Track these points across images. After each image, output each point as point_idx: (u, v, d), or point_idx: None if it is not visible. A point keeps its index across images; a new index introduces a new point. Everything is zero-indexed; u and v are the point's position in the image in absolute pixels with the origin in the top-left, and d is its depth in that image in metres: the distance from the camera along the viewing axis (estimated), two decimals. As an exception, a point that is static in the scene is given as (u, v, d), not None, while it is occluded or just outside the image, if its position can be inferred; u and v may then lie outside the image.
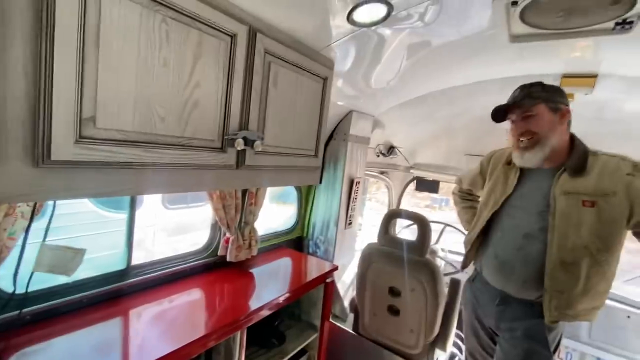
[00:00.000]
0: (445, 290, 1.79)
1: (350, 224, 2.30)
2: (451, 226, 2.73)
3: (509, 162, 1.41)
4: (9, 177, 0.58)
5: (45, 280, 1.09)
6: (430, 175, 2.84)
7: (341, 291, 2.32)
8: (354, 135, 2.08)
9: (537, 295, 1.25)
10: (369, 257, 1.94)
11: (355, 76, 1.66)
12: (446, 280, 1.85)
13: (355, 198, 2.26)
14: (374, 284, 1.95)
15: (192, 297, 1.41)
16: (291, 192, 2.41)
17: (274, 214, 2.33)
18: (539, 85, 1.25)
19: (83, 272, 1.21)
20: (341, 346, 2.12)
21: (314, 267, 1.89)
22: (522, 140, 1.25)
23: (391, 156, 2.64)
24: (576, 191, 1.18)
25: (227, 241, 1.64)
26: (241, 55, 0.93)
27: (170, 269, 1.47)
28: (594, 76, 1.70)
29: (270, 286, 1.59)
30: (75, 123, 0.63)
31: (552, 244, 1.19)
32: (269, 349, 1.65)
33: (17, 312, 0.98)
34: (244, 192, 1.70)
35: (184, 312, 1.28)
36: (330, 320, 2.16)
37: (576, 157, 1.23)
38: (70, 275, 0.95)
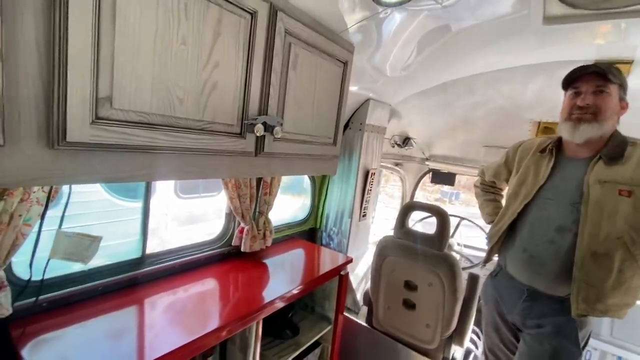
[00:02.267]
0: (463, 284, 1.74)
1: (364, 215, 2.26)
2: (469, 220, 2.66)
3: (543, 151, 1.33)
4: (23, 160, 0.55)
5: (61, 268, 1.08)
6: (446, 168, 2.76)
7: (354, 284, 2.29)
8: (371, 125, 2.02)
9: (568, 292, 1.19)
10: (385, 250, 1.89)
11: (374, 62, 1.59)
12: (463, 274, 1.80)
13: (370, 190, 2.21)
14: (389, 277, 1.90)
15: (207, 286, 1.39)
16: (299, 183, 2.37)
17: (284, 205, 2.29)
18: (616, 69, 1.18)
19: (98, 260, 1.20)
20: (354, 339, 2.10)
21: (328, 259, 1.86)
22: (579, 114, 1.17)
23: (406, 147, 2.57)
24: (612, 180, 1.12)
25: (241, 231, 1.61)
26: (262, 35, 0.88)
27: (185, 258, 1.45)
28: (630, 62, 1.59)
29: (284, 277, 1.57)
30: (91, 103, 0.59)
31: (584, 234, 1.13)
32: (283, 340, 1.63)
33: (33, 299, 0.96)
34: (259, 181, 1.67)
35: (199, 302, 1.26)
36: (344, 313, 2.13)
37: (613, 145, 1.16)
38: (87, 262, 0.93)
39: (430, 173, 2.88)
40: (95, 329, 1.03)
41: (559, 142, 1.32)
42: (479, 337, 2.07)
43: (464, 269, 2.16)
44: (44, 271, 0.93)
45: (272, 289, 1.42)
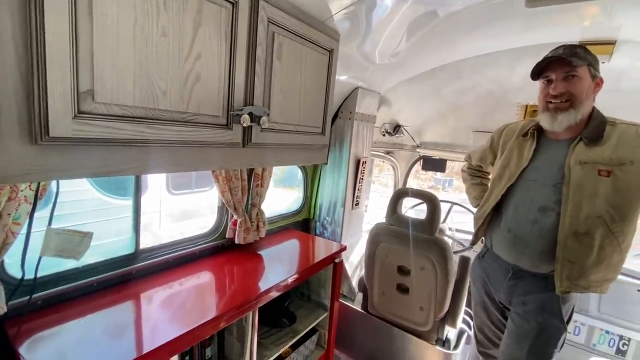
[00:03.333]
0: (454, 267, 1.78)
1: (357, 204, 2.28)
2: (460, 205, 2.70)
3: (525, 134, 1.36)
4: (6, 156, 0.55)
5: (54, 266, 1.09)
6: (437, 154, 2.79)
7: (349, 271, 2.32)
8: (360, 114, 2.03)
9: (551, 269, 1.23)
10: (378, 237, 1.92)
11: (363, 49, 1.58)
12: (455, 258, 1.84)
13: (362, 178, 2.23)
14: (383, 263, 1.94)
15: (202, 279, 1.41)
16: (293, 176, 2.37)
17: (278, 198, 2.30)
18: (582, 48, 1.19)
19: (91, 258, 1.20)
20: (351, 325, 2.14)
21: (322, 248, 1.88)
22: (554, 102, 1.19)
23: (397, 135, 2.59)
24: (592, 160, 1.15)
25: (234, 223, 1.62)
26: (244, 25, 0.87)
27: (179, 252, 1.46)
28: (612, 43, 1.61)
29: (279, 267, 1.59)
30: (72, 97, 0.59)
31: (565, 214, 1.17)
32: (281, 329, 1.66)
33: (27, 297, 0.97)
34: (250, 173, 1.67)
35: (195, 294, 1.27)
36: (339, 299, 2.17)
37: (593, 126, 1.19)
38: (79, 258, 0.94)
39: (421, 160, 2.90)
40: (91, 324, 1.03)
41: (540, 125, 1.34)
42: (471, 318, 2.13)
43: (456, 252, 2.21)
44: (36, 269, 0.93)
45: (267, 278, 1.44)
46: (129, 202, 1.38)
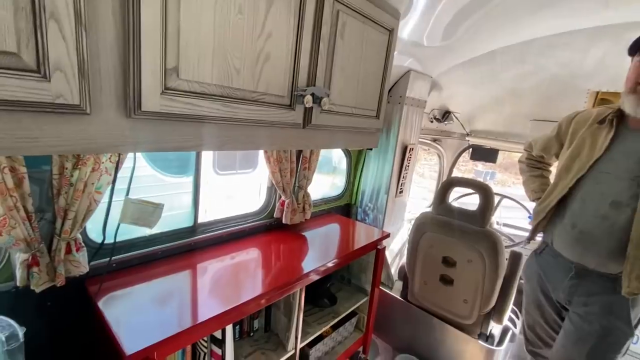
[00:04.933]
0: (504, 262, 1.70)
1: (401, 192, 2.23)
2: (511, 199, 2.55)
3: (602, 121, 1.23)
4: (105, 128, 0.60)
5: (126, 233, 1.19)
6: (488, 144, 2.63)
7: (388, 259, 2.31)
8: (411, 98, 1.95)
9: (620, 270, 1.13)
10: (423, 226, 1.88)
11: (417, 30, 1.51)
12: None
13: (408, 166, 2.17)
14: (427, 253, 1.90)
15: (252, 255, 1.47)
16: (328, 161, 2.37)
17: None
18: None
19: (156, 228, 1.30)
20: (390, 311, 2.14)
21: (364, 234, 1.88)
22: None
23: (446, 122, 2.47)
24: None
25: (282, 204, 1.67)
26: (311, 3, 0.86)
27: (232, 228, 1.54)
28: None
29: (323, 250, 1.61)
30: (161, 73, 0.62)
31: None
32: (322, 309, 1.70)
33: (107, 259, 1.07)
34: (298, 156, 1.69)
35: (246, 268, 1.33)
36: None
37: None
38: (152, 227, 1.01)
39: (471, 149, 2.76)
40: (156, 289, 1.13)
41: (620, 112, 1.21)
42: (517, 316, 2.04)
43: (506, 247, 2.11)
44: (116, 234, 1.02)
45: (312, 259, 1.47)
46: (181, 180, 1.46)
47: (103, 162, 0.98)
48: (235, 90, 0.76)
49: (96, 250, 1.07)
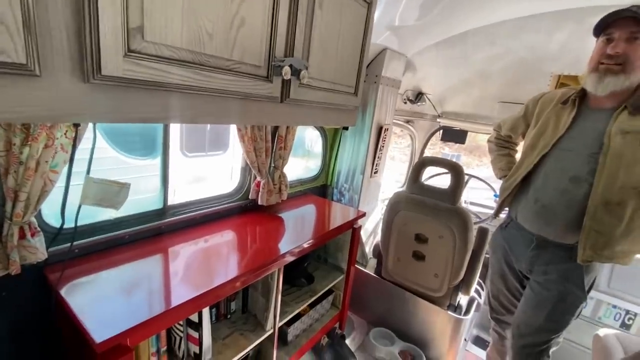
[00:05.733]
0: (473, 238, 1.79)
1: (376, 172, 2.26)
2: (477, 178, 2.67)
3: (565, 102, 1.30)
4: (59, 93, 0.53)
5: (89, 217, 1.10)
6: (457, 125, 2.71)
7: (363, 238, 2.36)
8: (386, 78, 1.95)
9: (576, 240, 1.23)
10: (397, 205, 1.92)
11: (393, 7, 1.49)
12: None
13: (383, 146, 2.19)
14: (400, 230, 1.95)
15: (227, 237, 1.43)
16: (301, 145, 2.33)
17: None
18: None
19: (121, 211, 1.21)
20: (364, 288, 2.20)
21: (340, 214, 1.89)
22: (607, 63, 1.13)
23: (419, 103, 2.51)
24: (635, 130, 1.11)
25: (258, 185, 1.62)
26: (289, -34, 0.81)
27: (205, 210, 1.48)
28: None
29: (299, 230, 1.60)
30: (122, 32, 0.55)
31: (599, 184, 1.15)
32: (299, 288, 1.71)
33: (68, 244, 0.99)
34: (273, 135, 1.64)
35: (221, 251, 1.30)
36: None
37: None
38: (119, 208, 0.94)
39: (441, 130, 2.83)
40: (125, 274, 1.06)
41: (582, 93, 1.28)
42: (482, 288, 2.18)
43: (475, 223, 2.22)
44: (76, 217, 0.94)
45: (289, 240, 1.46)
46: (145, 162, 1.37)
47: (57, 138, 0.89)
48: (208, 57, 0.70)
49: (55, 235, 0.98)
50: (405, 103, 2.48)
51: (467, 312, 1.98)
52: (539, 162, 1.32)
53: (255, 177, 1.63)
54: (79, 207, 0.92)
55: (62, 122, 0.80)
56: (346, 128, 2.13)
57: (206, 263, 1.19)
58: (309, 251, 1.50)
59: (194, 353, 1.20)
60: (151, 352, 1.13)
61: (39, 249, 0.93)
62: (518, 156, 1.57)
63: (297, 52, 0.92)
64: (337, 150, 2.23)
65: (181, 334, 1.18)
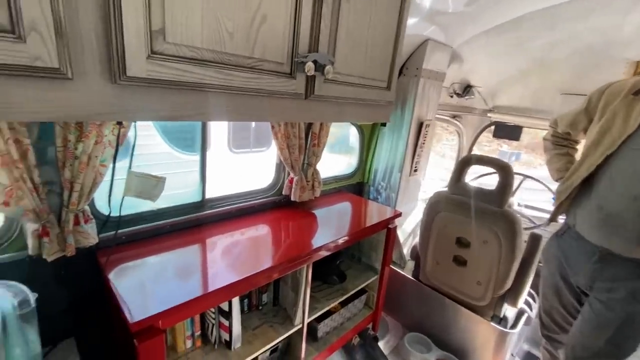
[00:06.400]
0: (522, 244, 1.63)
1: (415, 171, 2.16)
2: (534, 179, 2.42)
3: (637, 92, 1.11)
4: (89, 94, 0.58)
5: (134, 207, 1.20)
6: (512, 120, 2.47)
7: (401, 238, 2.27)
8: (428, 70, 1.84)
9: None
10: (437, 205, 1.82)
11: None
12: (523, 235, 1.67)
13: (424, 143, 2.08)
14: (440, 233, 1.85)
15: (260, 231, 1.47)
16: (345, 141, 2.30)
17: (329, 164, 2.26)
18: None
19: (164, 203, 1.31)
20: (401, 290, 2.13)
21: (376, 212, 1.83)
22: None
23: (467, 97, 2.33)
24: None
25: (291, 181, 1.64)
26: (312, -42, 0.79)
27: (240, 204, 1.54)
28: None
29: (332, 227, 1.59)
30: (146, 35, 0.59)
31: None
32: (331, 285, 1.70)
33: (113, 232, 1.09)
34: (307, 132, 1.65)
35: (254, 243, 1.34)
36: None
37: None
38: (155, 200, 1.02)
39: (494, 126, 2.61)
40: (165, 261, 1.15)
41: None
42: (534, 299, 1.97)
43: (525, 229, 2.02)
44: (120, 208, 1.04)
45: (321, 236, 1.45)
46: (195, 158, 1.46)
47: (106, 135, 0.98)
48: (229, 56, 0.72)
49: (104, 222, 1.09)
50: (452, 97, 2.33)
51: (514, 325, 1.81)
52: (604, 162, 1.15)
53: (288, 174, 1.65)
54: (122, 198, 1.01)
55: (93, 121, 0.87)
56: (384, 124, 2.06)
57: (238, 255, 1.23)
58: (340, 249, 1.48)
59: (225, 340, 1.25)
60: (186, 336, 1.22)
61: (91, 234, 1.04)
62: (579, 156, 1.39)
63: (322, 46, 0.90)
64: (375, 147, 2.17)
65: (213, 321, 1.24)
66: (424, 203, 2.54)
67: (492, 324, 1.73)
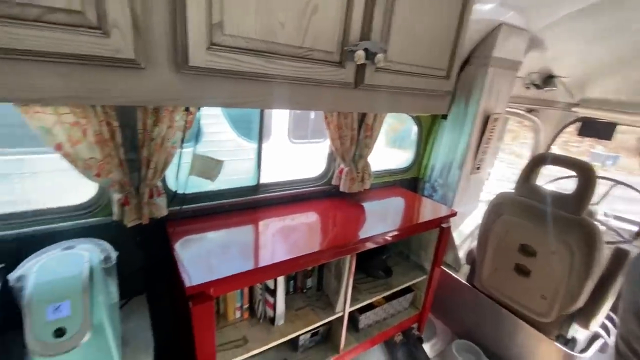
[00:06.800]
0: (602, 259, 1.41)
1: (478, 169, 2.00)
2: (628, 186, 2.06)
3: None
4: (159, 82, 0.66)
5: (198, 186, 1.34)
6: (604, 116, 2.12)
7: (457, 241, 2.14)
8: (499, 59, 1.67)
9: None
10: (500, 208, 1.67)
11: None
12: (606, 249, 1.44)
13: (490, 139, 1.91)
14: (502, 238, 1.69)
15: (309, 217, 1.51)
16: (409, 136, 2.21)
17: (389, 158, 2.20)
18: None
19: (225, 185, 1.44)
20: (453, 295, 2.02)
21: (429, 210, 1.75)
22: None
23: (547, 89, 2.06)
24: None
25: (341, 172, 1.66)
26: (368, -57, 0.78)
27: (291, 191, 1.60)
28: None
29: (380, 220, 1.56)
30: (207, 29, 0.65)
31: None
32: (375, 279, 1.69)
33: (179, 207, 1.23)
34: (360, 123, 1.64)
35: (302, 229, 1.39)
36: (442, 267, 2.05)
37: None
38: (213, 180, 1.12)
39: (580, 123, 2.26)
40: (222, 236, 1.26)
41: None
42: (614, 324, 1.70)
43: (609, 243, 1.74)
44: (186, 185, 1.17)
45: (367, 228, 1.44)
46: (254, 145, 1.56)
47: (176, 121, 1.10)
48: (279, 46, 0.75)
49: (172, 197, 1.24)
50: (528, 88, 2.08)
51: (585, 349, 1.59)
52: None
53: (339, 164, 1.66)
54: (188, 177, 1.13)
55: (162, 105, 0.97)
56: (444, 116, 1.94)
57: (285, 237, 1.30)
58: (387, 243, 1.46)
59: (269, 316, 1.34)
60: (236, 307, 1.33)
61: (161, 207, 1.19)
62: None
63: (375, 34, 0.88)
64: (433, 141, 2.06)
65: (260, 297, 1.33)
66: (486, 205, 2.34)
67: (557, 344, 1.55)
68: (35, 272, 0.83)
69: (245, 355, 1.19)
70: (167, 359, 1.28)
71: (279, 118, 3.83)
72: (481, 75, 1.70)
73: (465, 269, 2.08)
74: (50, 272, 0.84)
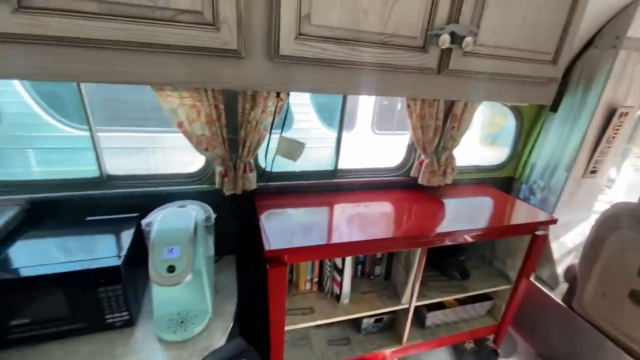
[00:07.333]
0: None
1: (592, 172, 1.68)
2: None
3: None
4: (255, 69, 0.77)
5: (283, 166, 1.49)
6: None
7: (556, 254, 1.85)
8: (636, 40, 1.36)
9: None
10: (614, 220, 1.39)
11: None
12: None
13: (613, 137, 1.59)
14: (614, 257, 1.42)
15: (383, 207, 1.52)
16: (510, 132, 1.98)
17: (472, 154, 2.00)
18: None
19: (304, 167, 1.55)
20: (543, 313, 1.78)
21: (522, 213, 1.56)
22: None
23: None
24: None
25: (420, 163, 1.61)
26: None
27: (367, 179, 1.64)
28: None
29: (459, 218, 1.47)
30: (296, 21, 0.73)
31: None
32: (449, 279, 1.61)
33: (265, 183, 1.39)
34: (447, 114, 1.55)
35: (375, 216, 1.40)
36: (532, 280, 1.82)
37: None
38: (295, 160, 1.24)
39: None
40: (300, 213, 1.38)
41: None
42: None
43: None
44: (272, 164, 1.31)
45: (443, 224, 1.38)
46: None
47: (269, 106, 1.25)
48: (361, 34, 0.79)
49: (261, 174, 1.41)
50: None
51: None
52: None
53: (419, 155, 1.61)
54: (274, 156, 1.27)
55: (258, 90, 1.09)
56: (553, 109, 1.68)
57: (357, 221, 1.34)
58: (466, 243, 1.38)
59: (336, 293, 1.42)
60: (306, 279, 1.45)
61: (252, 181, 1.36)
62: None
63: (465, 18, 0.84)
64: (537, 137, 1.81)
65: (329, 274, 1.42)
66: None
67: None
68: (158, 221, 1.07)
69: (311, 323, 1.30)
70: (246, 311, 1.48)
71: (365, 109, 3.84)
72: (608, 59, 1.42)
73: (563, 287, 1.80)
74: (168, 223, 1.07)
